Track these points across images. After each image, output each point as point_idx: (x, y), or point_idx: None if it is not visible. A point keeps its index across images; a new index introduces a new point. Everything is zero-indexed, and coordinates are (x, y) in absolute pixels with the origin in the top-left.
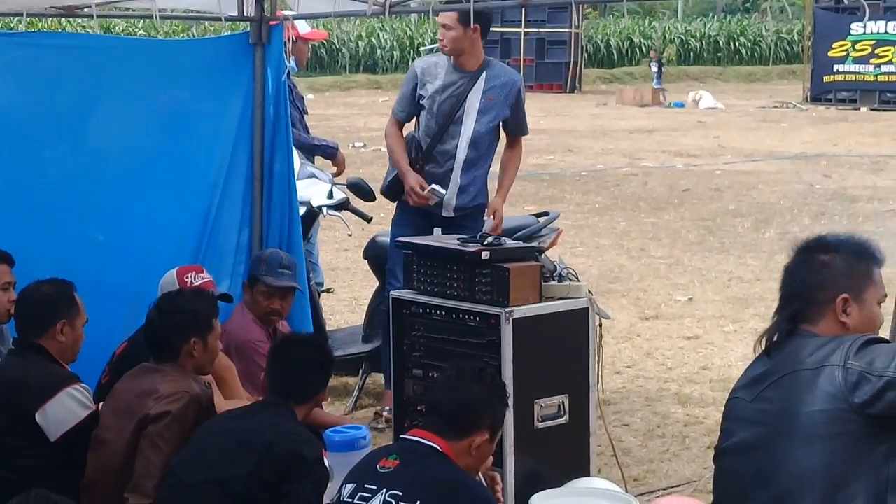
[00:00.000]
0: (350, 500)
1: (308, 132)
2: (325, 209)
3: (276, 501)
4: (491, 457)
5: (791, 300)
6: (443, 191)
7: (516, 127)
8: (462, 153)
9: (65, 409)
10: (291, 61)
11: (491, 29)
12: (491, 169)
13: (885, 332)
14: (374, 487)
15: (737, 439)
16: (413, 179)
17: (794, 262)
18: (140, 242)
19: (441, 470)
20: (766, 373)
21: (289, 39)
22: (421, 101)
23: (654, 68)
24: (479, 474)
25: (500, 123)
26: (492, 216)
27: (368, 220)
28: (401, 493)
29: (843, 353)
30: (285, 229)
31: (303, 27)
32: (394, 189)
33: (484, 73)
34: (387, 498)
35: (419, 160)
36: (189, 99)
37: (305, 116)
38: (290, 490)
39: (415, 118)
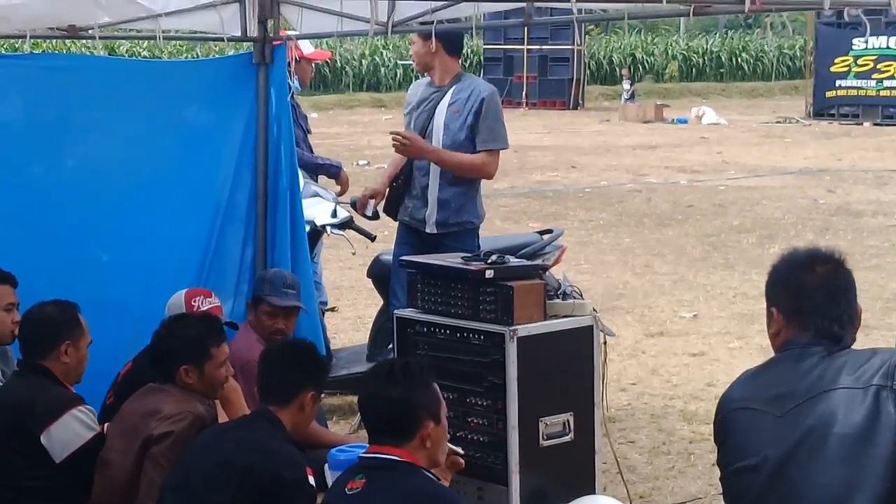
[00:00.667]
0: None
1: (312, 151)
2: (328, 228)
3: None
4: (448, 436)
5: (824, 312)
6: (371, 211)
7: (481, 138)
8: (436, 167)
9: (70, 431)
10: (295, 81)
11: (493, 46)
12: (481, 191)
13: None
14: None
15: (763, 457)
16: (362, 196)
17: (829, 274)
18: (143, 261)
19: (406, 483)
20: (798, 390)
21: (292, 59)
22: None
23: (627, 86)
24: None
25: (470, 137)
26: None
27: (372, 238)
28: None
29: (888, 371)
30: (290, 248)
31: (306, 47)
32: (391, 205)
33: (453, 88)
34: None
35: (400, 177)
36: (193, 119)
37: (309, 135)
38: None
39: None
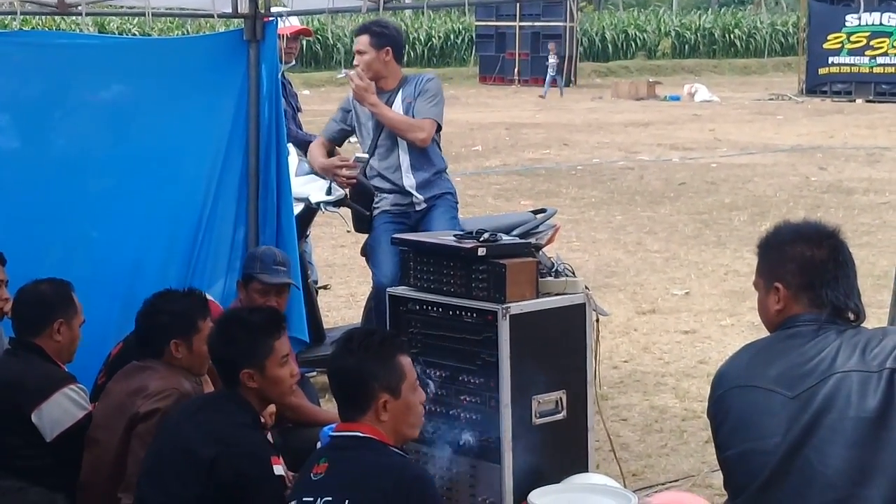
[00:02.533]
0: None
1: (301, 129)
2: (323, 205)
3: None
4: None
5: (836, 287)
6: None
7: (418, 108)
8: (405, 159)
9: (61, 410)
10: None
11: (485, 23)
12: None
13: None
14: (311, 499)
15: (778, 438)
16: (332, 161)
17: (838, 247)
18: (133, 240)
19: (362, 460)
20: (810, 370)
21: (284, 37)
22: (355, 125)
23: (553, 60)
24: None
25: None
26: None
27: (367, 215)
28: (331, 499)
29: None
30: (281, 226)
31: (292, 22)
32: (361, 220)
33: (401, 88)
34: None
35: (366, 176)
36: (183, 96)
37: (300, 113)
38: None
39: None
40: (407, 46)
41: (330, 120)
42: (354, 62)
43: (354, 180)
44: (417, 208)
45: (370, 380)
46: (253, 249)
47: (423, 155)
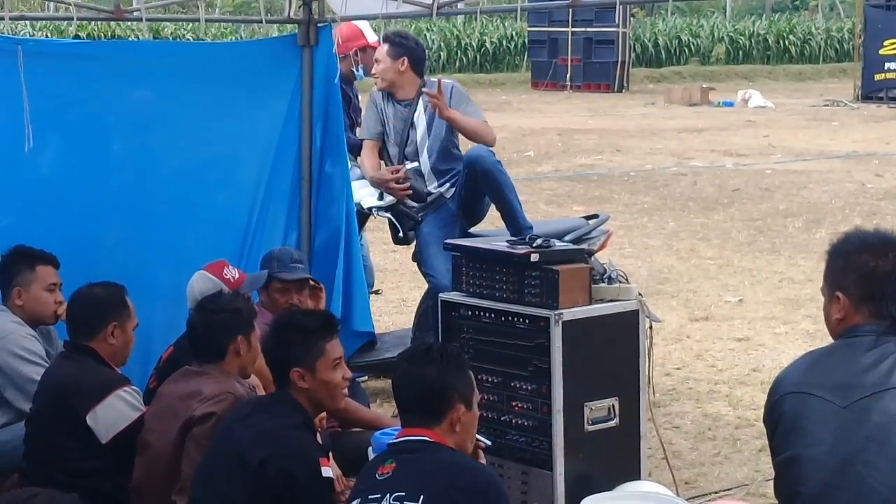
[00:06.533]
0: None
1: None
2: (375, 210)
3: None
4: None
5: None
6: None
7: (467, 113)
8: (426, 164)
9: (115, 412)
10: (360, 69)
11: (538, 29)
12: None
13: None
14: (378, 496)
15: (828, 449)
16: (383, 175)
17: None
18: (181, 244)
19: (435, 459)
20: (864, 381)
21: (357, 49)
22: (383, 119)
23: None
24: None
25: (449, 126)
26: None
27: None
28: (404, 493)
29: None
30: (338, 231)
31: (371, 35)
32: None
33: (421, 96)
34: (392, 501)
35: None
36: (234, 100)
37: (358, 127)
38: None
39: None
40: (459, 52)
41: (366, 119)
42: (373, 71)
43: (410, 191)
44: (430, 189)
45: (450, 390)
46: (269, 251)
47: (450, 155)
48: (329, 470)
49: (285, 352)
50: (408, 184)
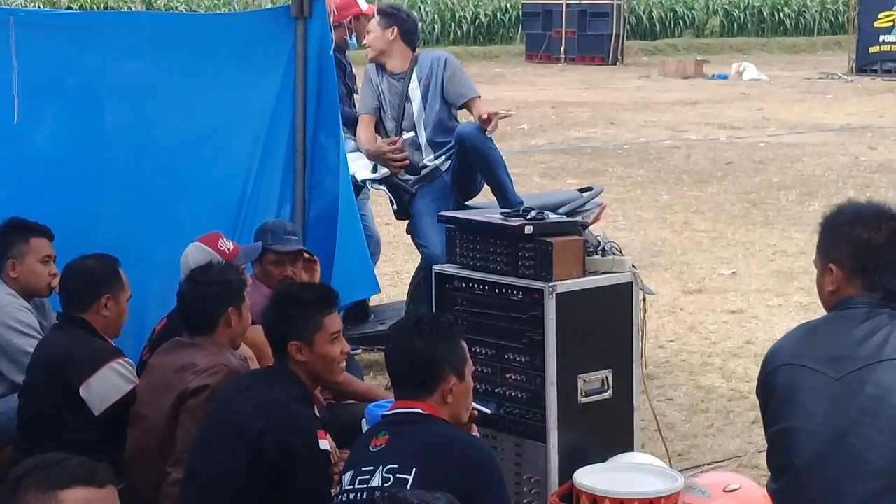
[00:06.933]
0: (351, 487)
1: (355, 108)
2: (369, 183)
3: (280, 496)
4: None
5: (892, 271)
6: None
7: (459, 92)
8: (423, 137)
9: (108, 384)
10: (353, 38)
11: (532, 1)
12: None
13: None
14: (371, 468)
15: (821, 419)
16: (380, 147)
17: None
18: (175, 216)
19: (428, 432)
20: (857, 353)
21: (352, 17)
22: (379, 95)
23: None
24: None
25: (444, 98)
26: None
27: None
28: (396, 466)
29: None
30: (334, 203)
31: (363, 3)
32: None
33: (414, 68)
34: (384, 474)
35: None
36: (227, 72)
37: (356, 95)
38: (288, 488)
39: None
40: (453, 24)
41: (363, 95)
42: (364, 41)
43: (407, 162)
44: (427, 162)
45: (441, 361)
46: (262, 223)
47: (446, 128)
48: (326, 443)
49: (283, 325)
50: (405, 154)
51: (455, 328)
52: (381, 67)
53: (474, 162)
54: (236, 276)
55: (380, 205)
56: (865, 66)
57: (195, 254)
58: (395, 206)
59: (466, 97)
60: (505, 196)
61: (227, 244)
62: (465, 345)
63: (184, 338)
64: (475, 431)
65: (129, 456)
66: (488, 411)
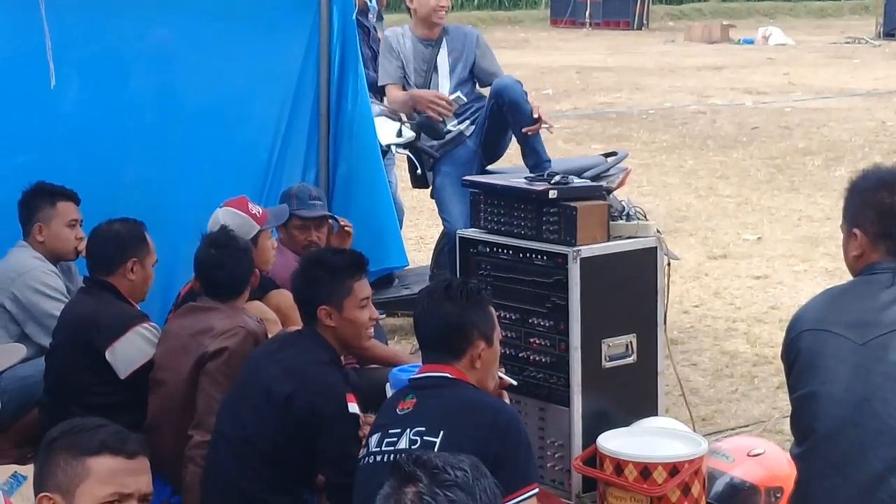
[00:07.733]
0: (378, 449)
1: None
2: (394, 147)
3: (308, 458)
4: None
5: None
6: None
7: (489, 71)
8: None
9: (134, 348)
10: (374, 1)
11: None
12: None
13: None
14: (398, 430)
15: (844, 384)
16: (430, 91)
17: None
18: (201, 182)
19: (456, 395)
20: (882, 319)
21: None
22: (403, 63)
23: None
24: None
25: (471, 74)
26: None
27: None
28: (424, 429)
29: None
30: (359, 167)
31: None
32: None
33: (444, 39)
34: (411, 436)
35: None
36: (253, 38)
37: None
38: (317, 450)
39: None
40: None
41: (384, 64)
42: (441, 3)
43: (450, 113)
44: (451, 127)
45: (470, 326)
46: (287, 188)
47: (471, 93)
48: (355, 406)
49: (313, 290)
50: (451, 110)
51: (484, 294)
52: (408, 33)
53: (510, 115)
54: (246, 243)
55: (403, 169)
56: (893, 30)
57: (228, 218)
58: (417, 172)
59: (497, 76)
60: (535, 151)
61: (256, 208)
62: (493, 310)
63: (198, 302)
64: (506, 398)
65: (151, 421)
66: (514, 383)
